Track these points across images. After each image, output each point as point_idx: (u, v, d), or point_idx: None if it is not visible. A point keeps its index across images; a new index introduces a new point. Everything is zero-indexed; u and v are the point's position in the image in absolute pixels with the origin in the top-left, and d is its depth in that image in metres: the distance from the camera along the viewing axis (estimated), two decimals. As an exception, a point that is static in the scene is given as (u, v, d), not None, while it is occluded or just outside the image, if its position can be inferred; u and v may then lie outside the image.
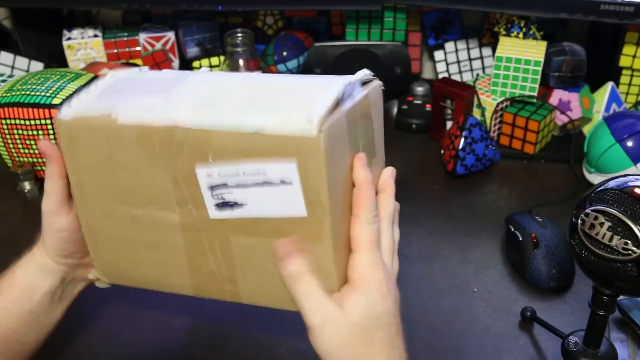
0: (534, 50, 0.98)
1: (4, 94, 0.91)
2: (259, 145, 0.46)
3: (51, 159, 0.53)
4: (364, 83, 0.54)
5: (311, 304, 0.45)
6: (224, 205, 0.51)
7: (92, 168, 0.53)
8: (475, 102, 1.03)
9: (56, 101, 0.89)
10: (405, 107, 1.10)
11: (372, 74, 0.54)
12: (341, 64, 1.09)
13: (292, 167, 0.46)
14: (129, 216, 0.55)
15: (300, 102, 0.48)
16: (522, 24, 1.04)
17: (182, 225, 0.53)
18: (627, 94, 1.07)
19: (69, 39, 1.12)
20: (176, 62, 1.15)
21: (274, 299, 0.54)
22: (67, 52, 1.12)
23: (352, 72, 0.53)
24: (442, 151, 0.98)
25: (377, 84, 0.55)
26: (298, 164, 0.46)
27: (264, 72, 1.09)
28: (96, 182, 0.54)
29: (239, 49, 1.08)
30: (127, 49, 1.14)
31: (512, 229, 0.80)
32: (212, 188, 0.50)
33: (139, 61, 1.12)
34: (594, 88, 1.05)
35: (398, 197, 0.54)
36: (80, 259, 0.57)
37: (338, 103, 0.48)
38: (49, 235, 0.55)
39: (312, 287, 0.46)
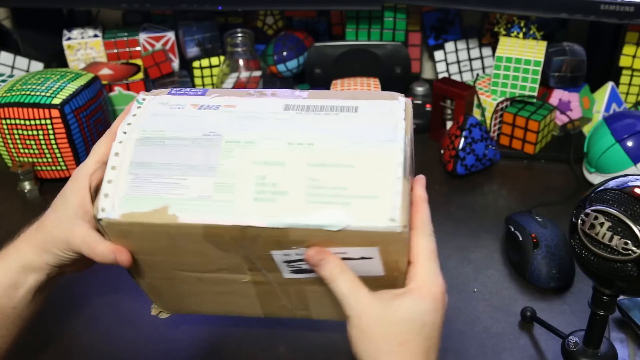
0: (534, 50, 0.98)
1: (4, 94, 0.91)
2: (341, 238, 0.47)
3: (118, 258, 0.50)
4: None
5: (349, 299, 0.48)
6: (300, 271, 0.51)
7: (150, 251, 0.51)
8: (475, 102, 1.03)
9: (56, 101, 0.89)
10: (405, 107, 1.10)
11: (404, 98, 0.53)
12: (341, 64, 1.09)
13: (375, 251, 0.47)
14: (195, 278, 0.54)
15: (370, 185, 0.46)
16: (522, 24, 1.04)
17: (253, 282, 0.54)
18: (627, 94, 1.07)
19: (69, 39, 1.12)
20: (176, 62, 1.15)
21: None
22: (67, 52, 1.12)
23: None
24: (442, 151, 0.98)
25: (409, 103, 0.53)
26: (380, 248, 0.47)
27: (264, 72, 1.09)
28: (156, 259, 0.52)
29: (239, 49, 1.08)
30: (127, 49, 1.14)
31: (512, 229, 0.80)
32: (288, 262, 0.50)
33: (139, 61, 1.12)
34: (594, 88, 1.05)
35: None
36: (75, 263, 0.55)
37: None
38: (61, 254, 0.53)
39: (348, 284, 0.48)
